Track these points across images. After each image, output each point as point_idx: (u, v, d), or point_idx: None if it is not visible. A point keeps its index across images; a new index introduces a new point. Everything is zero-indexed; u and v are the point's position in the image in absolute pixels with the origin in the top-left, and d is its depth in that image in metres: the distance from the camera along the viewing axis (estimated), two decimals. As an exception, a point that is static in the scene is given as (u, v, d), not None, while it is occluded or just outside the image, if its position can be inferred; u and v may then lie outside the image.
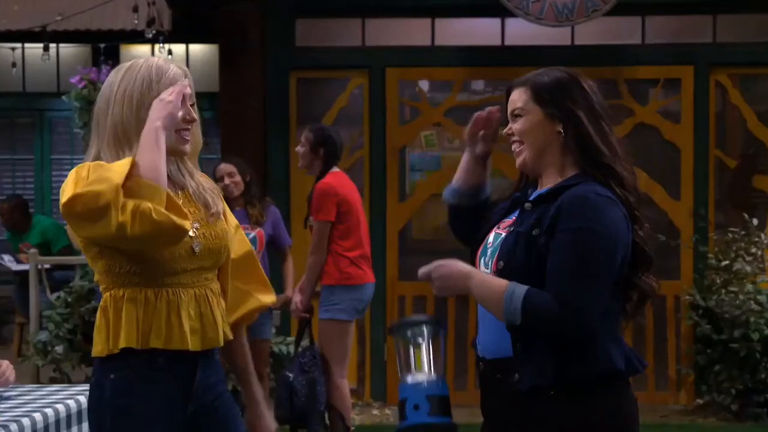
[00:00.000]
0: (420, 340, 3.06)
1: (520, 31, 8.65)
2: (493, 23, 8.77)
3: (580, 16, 8.25)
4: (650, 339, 8.58)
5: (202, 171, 3.32)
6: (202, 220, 3.16)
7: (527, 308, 2.90)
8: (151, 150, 2.98)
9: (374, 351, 8.64)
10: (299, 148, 6.76)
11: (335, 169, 6.71)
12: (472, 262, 3.16)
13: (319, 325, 6.68)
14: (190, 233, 3.06)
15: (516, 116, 3.10)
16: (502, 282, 2.96)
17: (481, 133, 3.29)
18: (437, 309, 8.38)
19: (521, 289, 2.92)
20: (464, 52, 8.77)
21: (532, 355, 2.94)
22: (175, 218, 2.92)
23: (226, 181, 6.82)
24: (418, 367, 3.05)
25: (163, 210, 2.91)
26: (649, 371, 8.34)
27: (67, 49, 11.42)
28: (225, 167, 6.94)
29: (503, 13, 8.42)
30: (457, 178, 3.36)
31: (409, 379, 3.05)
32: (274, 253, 7.15)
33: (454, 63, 8.78)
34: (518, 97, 3.10)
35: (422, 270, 3.09)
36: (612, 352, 2.96)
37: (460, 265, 3.06)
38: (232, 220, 3.32)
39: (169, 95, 3.04)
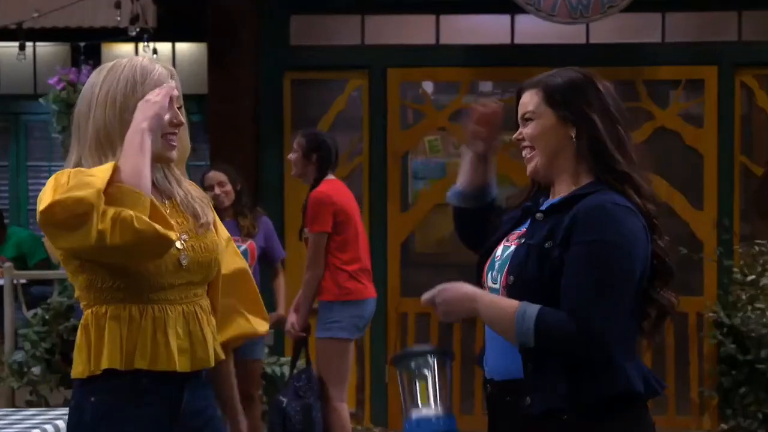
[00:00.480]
0: (425, 371, 3.05)
1: (532, 29, 8.66)
2: (503, 20, 8.78)
3: (596, 13, 8.26)
4: (671, 359, 8.58)
5: (190, 179, 3.32)
6: (190, 232, 3.15)
7: (541, 328, 2.91)
8: (135, 154, 2.98)
9: (374, 372, 8.63)
10: (291, 155, 6.78)
11: (330, 177, 6.72)
12: (479, 275, 3.16)
13: (317, 344, 6.67)
14: (178, 245, 3.06)
15: (527, 120, 3.11)
16: (513, 302, 2.97)
17: (482, 131, 3.30)
18: (442, 327, 8.38)
19: (533, 308, 2.93)
20: (471, 52, 8.78)
21: (545, 377, 2.95)
22: (158, 228, 2.91)
23: (216, 190, 6.82)
24: (423, 402, 3.04)
25: (145, 218, 2.90)
26: (670, 394, 8.34)
27: (44, 48, 11.41)
28: (215, 175, 6.94)
29: (513, 9, 8.43)
30: (461, 179, 3.39)
31: (414, 414, 3.04)
32: (266, 267, 7.15)
33: (461, 63, 8.79)
34: (529, 100, 3.11)
35: (425, 296, 3.10)
36: (630, 372, 2.96)
37: (464, 288, 3.07)
38: (224, 232, 3.32)
39: (155, 96, 3.05)
